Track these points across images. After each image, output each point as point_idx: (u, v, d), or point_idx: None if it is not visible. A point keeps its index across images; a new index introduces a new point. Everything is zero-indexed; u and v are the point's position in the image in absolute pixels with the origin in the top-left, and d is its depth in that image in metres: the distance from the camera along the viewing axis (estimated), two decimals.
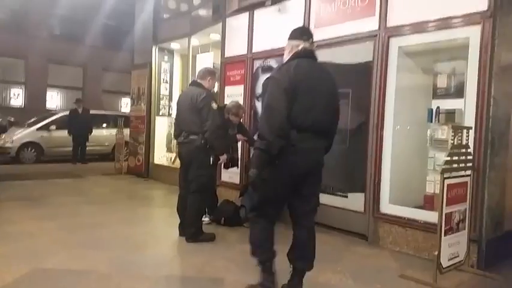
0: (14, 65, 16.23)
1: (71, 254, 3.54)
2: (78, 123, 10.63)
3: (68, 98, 16.23)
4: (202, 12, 7.28)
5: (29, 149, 10.75)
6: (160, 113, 8.72)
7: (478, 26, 3.42)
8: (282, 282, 2.72)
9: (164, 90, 8.73)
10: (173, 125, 5.56)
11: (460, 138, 3.11)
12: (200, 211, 4.21)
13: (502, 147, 3.62)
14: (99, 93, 17.60)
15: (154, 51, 8.54)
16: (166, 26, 8.32)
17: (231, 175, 5.81)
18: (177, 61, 8.85)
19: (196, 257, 3.59)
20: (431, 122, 4.01)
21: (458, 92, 3.84)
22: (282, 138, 2.42)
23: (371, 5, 4.27)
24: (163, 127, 8.69)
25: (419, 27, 3.86)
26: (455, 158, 3.12)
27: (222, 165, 4.76)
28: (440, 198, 2.99)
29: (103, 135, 11.82)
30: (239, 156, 5.25)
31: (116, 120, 10.70)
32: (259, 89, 5.68)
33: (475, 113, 3.44)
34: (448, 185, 3.01)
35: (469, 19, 3.50)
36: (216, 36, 7.01)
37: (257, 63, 5.78)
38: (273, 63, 5.47)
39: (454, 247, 3.17)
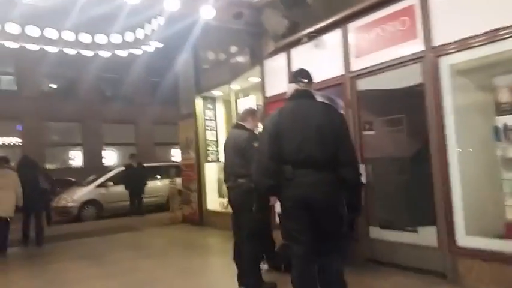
0: (71, 128, 17.48)
1: None
2: (134, 177, 10.96)
3: (123, 154, 17.12)
4: (240, 58, 7.45)
5: (89, 207, 11.16)
6: (209, 159, 8.80)
7: None
8: None
9: (210, 136, 8.87)
10: (222, 169, 5.54)
11: None
12: (257, 259, 4.01)
13: None
14: (152, 146, 18.39)
15: (198, 100, 8.80)
16: (207, 75, 8.59)
17: None
18: (220, 107, 9.02)
19: None
20: (500, 140, 3.63)
21: None
22: (267, 178, 2.71)
23: (412, 27, 4.09)
24: (213, 173, 8.72)
25: (467, 43, 3.60)
26: None
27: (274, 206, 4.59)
28: None
29: (158, 185, 12.11)
30: None
31: (168, 171, 10.97)
32: None
33: None
34: None
35: None
36: (255, 79, 7.10)
37: None
38: (316, 96, 5.35)
39: None
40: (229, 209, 4.21)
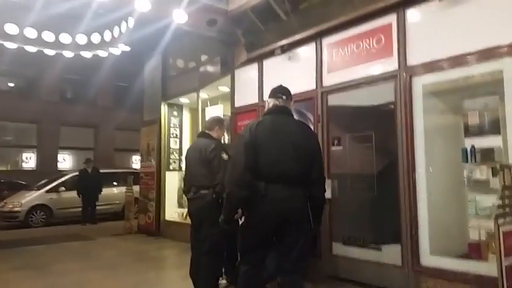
0: (26, 129, 16.53)
1: None
2: (88, 183, 10.48)
3: (81, 158, 16.43)
4: (210, 66, 7.29)
5: (38, 212, 10.50)
6: (171, 168, 8.50)
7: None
8: None
9: (174, 144, 8.59)
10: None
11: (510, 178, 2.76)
12: (216, 274, 3.80)
13: None
14: (111, 152, 17.70)
15: (163, 107, 8.52)
16: (175, 82, 8.35)
17: None
18: (186, 115, 8.80)
19: None
20: (467, 161, 3.68)
21: (494, 128, 3.53)
22: (242, 188, 2.62)
23: (388, 46, 4.12)
24: (174, 182, 8.42)
25: (437, 65, 3.66)
26: (507, 201, 2.74)
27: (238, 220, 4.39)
28: (498, 249, 2.58)
29: (114, 193, 11.62)
30: None
31: (126, 178, 10.51)
32: None
33: None
34: (504, 232, 2.61)
35: (504, 50, 3.25)
36: (224, 89, 6.96)
37: None
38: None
39: None
40: (188, 220, 3.98)
